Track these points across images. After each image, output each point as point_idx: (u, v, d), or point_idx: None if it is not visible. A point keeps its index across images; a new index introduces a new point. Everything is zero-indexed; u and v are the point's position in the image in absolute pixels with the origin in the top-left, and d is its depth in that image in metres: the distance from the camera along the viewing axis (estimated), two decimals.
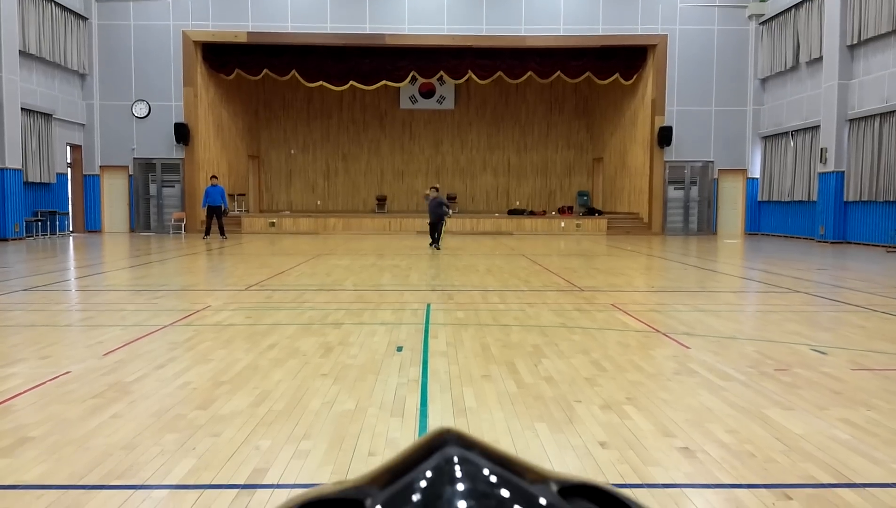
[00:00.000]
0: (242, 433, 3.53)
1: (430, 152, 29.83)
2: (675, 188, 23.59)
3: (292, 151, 29.57)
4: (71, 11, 21.45)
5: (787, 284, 10.04)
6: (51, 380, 4.54)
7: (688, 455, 3.27)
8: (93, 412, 3.87)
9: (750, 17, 22.85)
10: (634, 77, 24.10)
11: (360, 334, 6.15)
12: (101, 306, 7.81)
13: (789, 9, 21.15)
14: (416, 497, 0.45)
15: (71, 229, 22.32)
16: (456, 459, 0.49)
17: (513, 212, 26.62)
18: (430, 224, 16.87)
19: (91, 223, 23.04)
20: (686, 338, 5.99)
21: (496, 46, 23.09)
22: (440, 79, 25.60)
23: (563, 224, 23.94)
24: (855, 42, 18.18)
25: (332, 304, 7.94)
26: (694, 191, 23.66)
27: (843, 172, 18.66)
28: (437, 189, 17.36)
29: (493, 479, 0.48)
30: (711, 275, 11.55)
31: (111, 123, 22.78)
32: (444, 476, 0.47)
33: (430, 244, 16.70)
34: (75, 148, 22.59)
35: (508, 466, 0.51)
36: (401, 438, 3.47)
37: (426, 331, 6.29)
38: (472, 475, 0.47)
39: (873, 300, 8.35)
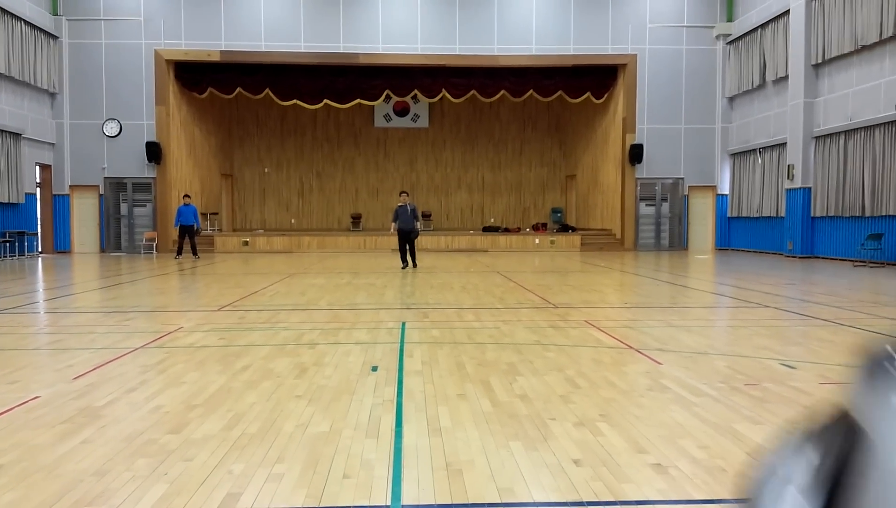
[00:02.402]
0: (215, 457, 3.50)
1: (404, 170, 29.92)
2: (646, 205, 23.89)
3: (266, 170, 29.47)
4: (41, 30, 21.26)
5: (756, 299, 10.19)
6: (19, 405, 4.46)
7: (660, 471, 3.31)
8: (63, 437, 3.81)
9: (717, 36, 23.33)
10: (606, 96, 24.45)
11: (335, 354, 6.13)
12: (70, 329, 7.70)
13: (755, 29, 21.64)
14: None
15: (40, 249, 21.98)
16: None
17: (487, 229, 26.75)
18: (406, 239, 15.51)
19: (60, 244, 22.71)
20: (658, 354, 6.06)
21: (469, 65, 23.31)
22: (414, 97, 25.76)
23: (537, 241, 24.10)
24: (819, 61, 18.63)
25: (306, 324, 7.90)
26: (665, 207, 23.98)
27: (809, 188, 19.05)
28: (407, 194, 15.83)
29: None
30: (683, 291, 11.69)
31: (81, 143, 22.54)
32: None
33: (405, 266, 15.62)
34: (45, 168, 22.30)
35: None
36: (376, 459, 3.46)
37: (401, 350, 6.29)
38: None
39: (841, 314, 8.51)
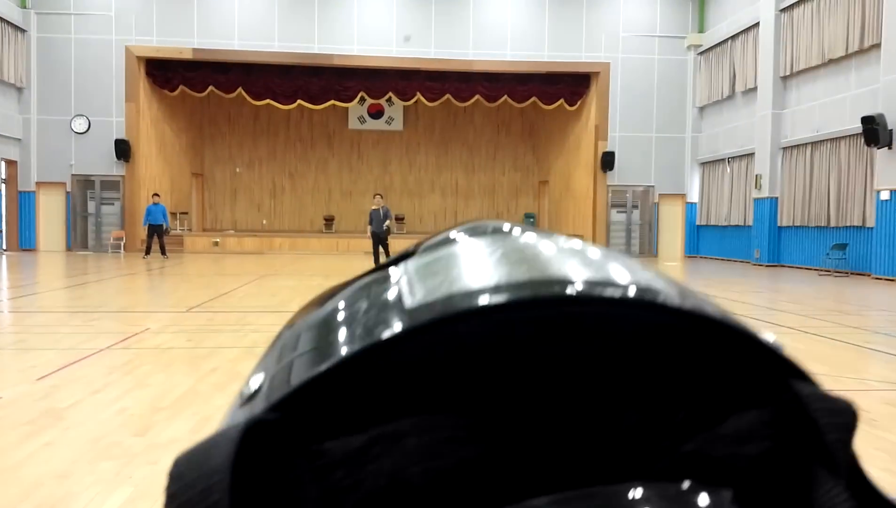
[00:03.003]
0: None
1: (378, 172, 29.85)
2: (617, 212, 24.13)
3: (237, 170, 29.20)
4: (8, 23, 20.86)
5: (724, 306, 10.32)
6: None
7: None
8: (25, 439, 3.74)
9: (688, 47, 23.67)
10: (579, 103, 24.66)
11: None
12: (34, 329, 7.56)
13: (726, 40, 21.99)
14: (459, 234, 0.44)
15: (4, 247, 21.53)
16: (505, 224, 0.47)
17: None
18: (378, 241, 15.73)
19: (25, 241, 22.26)
20: None
21: (444, 69, 23.36)
22: (389, 100, 25.74)
23: None
24: (788, 74, 19.00)
25: (276, 326, 7.82)
26: (636, 214, 24.24)
27: (776, 197, 19.40)
28: (380, 196, 16.35)
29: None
30: None
31: (49, 139, 22.13)
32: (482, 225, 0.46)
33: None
34: (10, 164, 21.85)
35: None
36: None
37: None
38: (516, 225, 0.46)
39: (806, 323, 8.67)
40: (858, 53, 16.60)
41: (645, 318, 0.32)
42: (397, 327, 0.31)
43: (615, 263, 0.35)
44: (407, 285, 0.35)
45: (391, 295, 0.34)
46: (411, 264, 0.38)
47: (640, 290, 0.32)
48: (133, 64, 22.19)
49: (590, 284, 0.32)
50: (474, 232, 0.43)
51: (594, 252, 0.37)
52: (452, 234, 0.43)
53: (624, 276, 0.33)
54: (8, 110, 21.41)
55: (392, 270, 0.39)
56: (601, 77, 23.52)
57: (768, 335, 0.34)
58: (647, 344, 0.32)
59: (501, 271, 0.33)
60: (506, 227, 0.42)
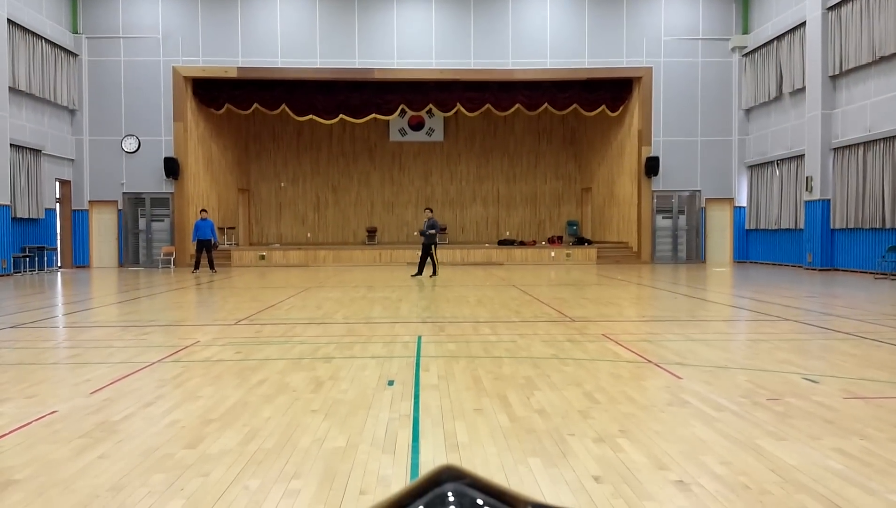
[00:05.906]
0: (231, 472, 3.48)
1: (419, 184, 29.97)
2: (663, 217, 23.74)
3: (282, 184, 29.64)
4: (61, 48, 21.57)
5: (776, 312, 10.06)
6: (37, 420, 4.47)
7: (682, 488, 3.24)
8: (79, 452, 3.81)
9: (733, 49, 23.25)
10: (621, 108, 24.39)
11: (351, 368, 6.10)
12: (88, 343, 7.74)
13: (771, 41, 21.54)
14: None
15: (59, 264, 22.19)
16: (451, 494, 0.55)
17: (503, 242, 26.69)
18: (424, 248, 17.27)
19: (79, 259, 22.92)
20: (678, 368, 5.98)
21: (484, 80, 23.36)
22: (429, 112, 25.84)
23: (553, 254, 24.01)
24: (837, 73, 18.49)
25: (322, 338, 7.89)
26: (682, 220, 23.82)
27: (828, 200, 18.86)
28: (430, 210, 17.62)
29: None
30: (701, 304, 11.57)
31: (100, 159, 22.78)
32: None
33: (431, 275, 17.18)
34: (64, 183, 22.55)
35: (502, 498, 0.57)
36: (392, 475, 3.43)
37: (417, 364, 6.26)
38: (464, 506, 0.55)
39: (863, 328, 8.38)
40: None
41: None
42: None
43: None
44: None
45: None
46: None
47: None
48: (180, 84, 22.72)
49: None
50: (431, 504, 0.54)
51: None
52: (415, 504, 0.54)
53: None
54: (61, 132, 22.11)
55: None
56: (643, 82, 23.23)
57: None
58: None
59: None
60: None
